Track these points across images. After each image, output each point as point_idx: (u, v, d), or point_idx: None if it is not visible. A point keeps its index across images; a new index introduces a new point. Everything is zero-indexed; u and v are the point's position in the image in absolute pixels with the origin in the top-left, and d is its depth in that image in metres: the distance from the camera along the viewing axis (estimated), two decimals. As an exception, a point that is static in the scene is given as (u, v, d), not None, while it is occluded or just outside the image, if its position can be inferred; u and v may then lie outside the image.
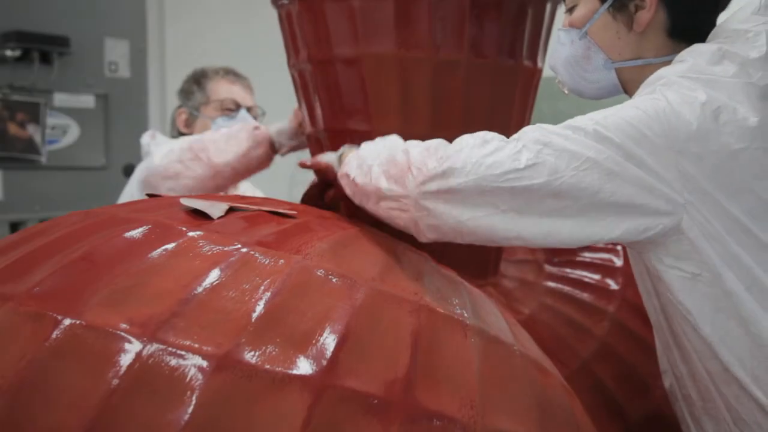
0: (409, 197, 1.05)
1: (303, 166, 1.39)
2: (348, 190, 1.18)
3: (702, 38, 1.16)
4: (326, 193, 1.33)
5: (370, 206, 1.13)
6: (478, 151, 1.02)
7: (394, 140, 1.17)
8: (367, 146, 1.19)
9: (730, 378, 1.07)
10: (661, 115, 1.02)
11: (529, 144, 1.01)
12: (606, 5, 1.18)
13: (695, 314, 1.06)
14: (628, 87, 1.22)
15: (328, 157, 1.30)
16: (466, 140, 1.04)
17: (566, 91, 1.29)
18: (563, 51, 1.25)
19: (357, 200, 1.16)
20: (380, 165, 1.11)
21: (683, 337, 1.11)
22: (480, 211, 1.01)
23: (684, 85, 1.05)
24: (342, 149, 1.27)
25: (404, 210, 1.07)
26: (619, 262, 1.60)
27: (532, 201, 1.00)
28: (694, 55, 1.10)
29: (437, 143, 1.07)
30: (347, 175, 1.17)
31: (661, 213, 1.02)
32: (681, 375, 1.18)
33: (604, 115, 1.04)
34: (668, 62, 1.14)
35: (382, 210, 1.11)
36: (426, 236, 1.08)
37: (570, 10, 1.24)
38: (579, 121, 1.04)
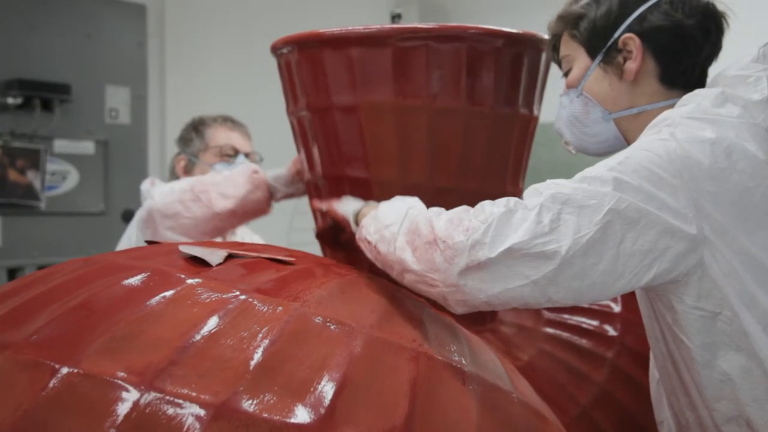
0: (438, 272, 1.03)
1: (318, 209, 1.38)
2: (369, 255, 1.16)
3: (694, 85, 1.19)
4: (340, 236, 1.33)
5: (394, 275, 1.12)
6: (504, 221, 1.00)
7: (414, 205, 1.14)
8: (385, 208, 1.17)
9: (742, 423, 1.07)
10: (672, 155, 1.04)
11: (547, 203, 1.00)
12: (597, 61, 1.23)
13: (713, 354, 1.06)
14: (627, 137, 1.24)
15: (344, 209, 1.28)
16: (489, 210, 1.03)
17: (573, 151, 1.32)
18: (564, 113, 1.29)
19: (379, 266, 1.14)
20: (404, 235, 1.09)
21: (691, 383, 1.11)
22: (511, 282, 1.00)
23: (690, 125, 1.07)
24: (359, 206, 1.25)
25: (432, 285, 1.05)
26: (617, 308, 1.60)
27: (561, 265, 0.99)
28: (698, 98, 1.12)
29: (461, 213, 1.06)
30: (367, 241, 1.16)
31: (684, 253, 1.03)
32: (687, 422, 1.17)
33: (618, 160, 1.05)
34: (663, 108, 1.16)
35: (407, 281, 1.09)
36: (455, 310, 1.06)
37: (566, 74, 1.29)
38: (593, 171, 1.05)
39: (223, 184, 1.76)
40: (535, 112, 1.47)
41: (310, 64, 1.39)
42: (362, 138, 1.36)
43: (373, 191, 1.36)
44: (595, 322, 1.57)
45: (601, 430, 1.48)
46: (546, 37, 1.40)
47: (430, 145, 1.34)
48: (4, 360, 0.77)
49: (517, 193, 1.47)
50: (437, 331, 1.03)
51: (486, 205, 1.04)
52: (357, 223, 1.24)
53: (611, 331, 1.56)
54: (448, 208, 1.32)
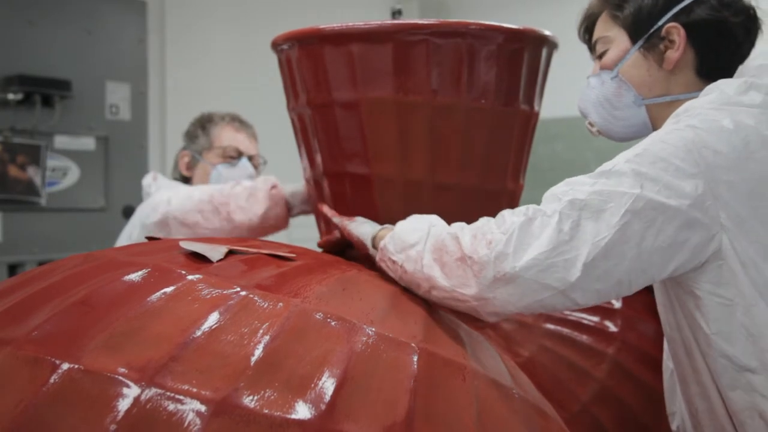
0: (467, 287, 1.05)
1: (326, 214, 1.38)
2: (393, 275, 1.16)
3: (728, 77, 1.20)
4: (349, 251, 1.32)
5: (421, 293, 1.12)
6: (525, 229, 1.02)
7: (435, 223, 1.15)
8: (404, 227, 1.17)
9: (755, 414, 1.07)
10: (689, 145, 1.05)
11: (566, 210, 1.02)
12: (637, 46, 1.24)
13: (730, 343, 1.07)
14: (656, 124, 1.25)
15: (360, 231, 1.27)
16: (510, 219, 1.05)
17: (596, 133, 1.33)
18: (592, 93, 1.31)
19: (403, 284, 1.14)
20: (429, 252, 1.09)
21: (705, 372, 1.12)
22: (539, 295, 1.02)
23: (710, 114, 1.08)
24: (376, 229, 1.25)
25: (462, 301, 1.07)
26: (617, 304, 1.60)
27: (585, 271, 1.01)
28: (721, 86, 1.14)
29: (483, 226, 1.07)
30: (392, 261, 1.15)
31: (703, 243, 1.04)
32: (696, 411, 1.18)
33: (636, 152, 1.06)
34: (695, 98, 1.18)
35: (434, 297, 1.10)
36: (488, 320, 1.09)
37: (600, 56, 1.30)
38: (611, 164, 1.06)
39: (243, 198, 1.74)
40: (536, 108, 1.47)
41: (310, 60, 1.39)
42: (363, 134, 1.36)
43: (374, 187, 1.36)
44: (595, 318, 1.57)
45: (602, 426, 1.49)
46: (547, 33, 1.40)
47: (430, 141, 1.34)
48: (4, 356, 0.77)
49: (518, 190, 1.47)
50: (438, 327, 1.03)
51: (506, 215, 1.06)
52: (374, 246, 1.23)
53: (612, 328, 1.56)
54: (448, 204, 1.33)
